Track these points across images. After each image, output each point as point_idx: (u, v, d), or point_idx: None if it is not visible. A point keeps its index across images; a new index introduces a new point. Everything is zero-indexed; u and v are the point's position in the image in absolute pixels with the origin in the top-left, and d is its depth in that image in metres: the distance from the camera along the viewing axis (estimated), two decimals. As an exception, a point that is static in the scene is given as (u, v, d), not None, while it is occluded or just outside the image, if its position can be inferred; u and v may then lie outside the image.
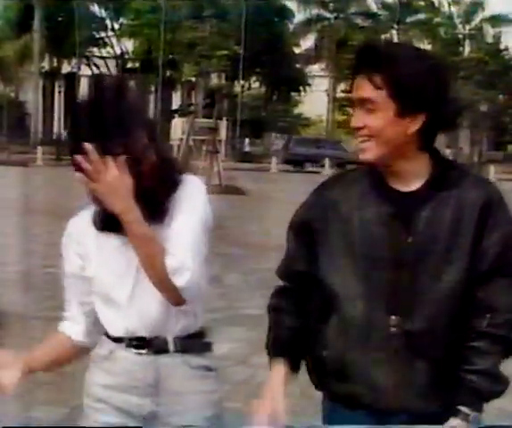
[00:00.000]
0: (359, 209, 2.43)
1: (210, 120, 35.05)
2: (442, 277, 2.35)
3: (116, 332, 2.59)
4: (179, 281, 2.43)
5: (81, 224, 2.63)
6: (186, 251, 2.47)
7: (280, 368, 2.49)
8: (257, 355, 7.17)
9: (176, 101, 63.50)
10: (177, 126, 45.24)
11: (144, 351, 2.55)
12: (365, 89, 2.34)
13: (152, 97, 62.03)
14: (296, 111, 68.79)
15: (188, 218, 2.52)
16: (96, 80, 2.66)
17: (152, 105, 61.48)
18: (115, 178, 2.35)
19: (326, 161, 42.81)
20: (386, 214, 2.39)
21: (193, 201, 2.56)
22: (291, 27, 64.92)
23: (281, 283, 2.62)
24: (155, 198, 2.50)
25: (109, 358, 2.61)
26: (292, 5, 63.97)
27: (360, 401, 2.44)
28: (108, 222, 2.51)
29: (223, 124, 42.50)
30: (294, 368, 2.53)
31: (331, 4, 63.69)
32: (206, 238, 2.56)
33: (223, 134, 41.93)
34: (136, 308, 2.55)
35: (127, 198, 2.38)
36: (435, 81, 2.36)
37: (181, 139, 40.24)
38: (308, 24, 64.86)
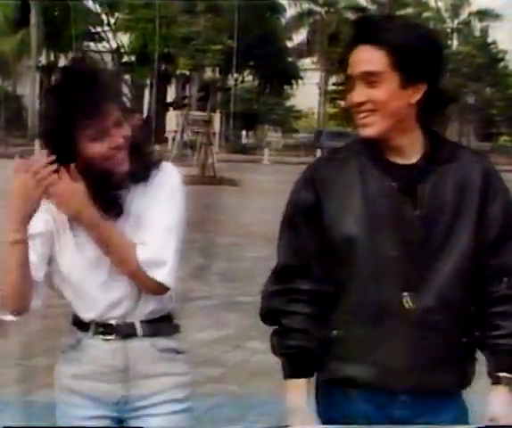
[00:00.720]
0: (361, 184, 2.32)
1: (204, 113, 35.07)
2: (450, 249, 2.30)
3: (86, 318, 2.53)
4: (157, 274, 2.43)
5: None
6: (164, 242, 2.46)
7: (303, 387, 2.38)
8: (252, 340, 7.32)
9: (171, 94, 63.43)
10: (172, 118, 45.38)
11: (111, 337, 2.51)
12: (367, 62, 2.25)
13: (147, 90, 62.01)
14: (288, 103, 68.70)
15: (165, 207, 2.49)
16: (66, 65, 2.73)
17: (147, 98, 61.51)
18: (67, 189, 2.36)
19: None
20: (391, 188, 2.30)
21: (170, 191, 2.52)
22: (283, 21, 64.87)
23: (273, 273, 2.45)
24: (124, 179, 2.46)
25: (77, 348, 2.55)
26: (283, 0, 64.00)
27: (364, 383, 2.34)
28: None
29: (217, 117, 42.55)
30: (312, 373, 2.42)
31: (321, -1, 63.72)
32: (182, 229, 2.52)
33: (217, 126, 41.93)
34: (108, 298, 2.49)
35: (80, 204, 2.38)
36: (434, 49, 2.33)
37: (176, 131, 40.40)
38: (299, 19, 64.83)
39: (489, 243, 2.33)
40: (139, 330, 2.51)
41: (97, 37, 61.93)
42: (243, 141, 60.24)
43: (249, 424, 5.36)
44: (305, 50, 65.36)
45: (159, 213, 2.47)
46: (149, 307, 2.51)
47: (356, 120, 2.32)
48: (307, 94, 67.38)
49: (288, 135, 65.55)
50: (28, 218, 2.36)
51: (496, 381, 2.32)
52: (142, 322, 2.52)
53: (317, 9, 64.36)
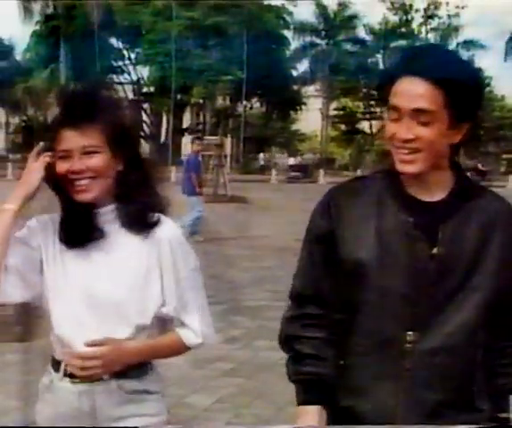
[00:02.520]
0: (376, 216, 2.07)
1: (217, 137, 35.11)
2: (467, 295, 2.01)
3: (58, 357, 2.32)
4: (193, 344, 2.35)
5: (47, 224, 2.32)
6: (202, 322, 2.33)
7: (316, 414, 2.16)
8: (259, 340, 7.48)
9: (186, 120, 63.59)
10: (187, 143, 45.46)
11: (77, 380, 2.26)
12: (421, 99, 1.93)
13: (164, 118, 62.18)
14: (293, 127, 68.71)
15: (188, 276, 2.32)
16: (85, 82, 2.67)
17: (164, 124, 61.70)
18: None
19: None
20: (408, 223, 2.03)
21: (188, 255, 2.34)
22: (287, 53, 64.86)
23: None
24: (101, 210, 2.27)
25: (50, 389, 2.34)
26: (288, 34, 64.07)
27: (361, 416, 2.10)
28: (72, 235, 2.28)
29: (228, 141, 42.70)
30: (328, 400, 2.17)
31: (323, 32, 63.74)
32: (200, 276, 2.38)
33: (228, 149, 42.05)
34: (80, 339, 2.22)
35: (126, 358, 2.24)
36: (482, 89, 2.09)
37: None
38: (302, 50, 64.82)
39: (510, 297, 2.06)
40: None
41: (119, 71, 62.10)
42: (261, 162, 59.81)
43: (255, 411, 5.48)
44: (308, 78, 65.30)
45: (187, 290, 2.30)
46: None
47: (394, 153, 2.02)
48: (310, 118, 67.32)
49: (293, 157, 65.56)
50: (25, 197, 2.21)
51: (497, 421, 2.10)
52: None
53: (319, 41, 64.43)
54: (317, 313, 2.17)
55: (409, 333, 2.01)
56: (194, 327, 2.32)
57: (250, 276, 11.45)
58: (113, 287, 2.25)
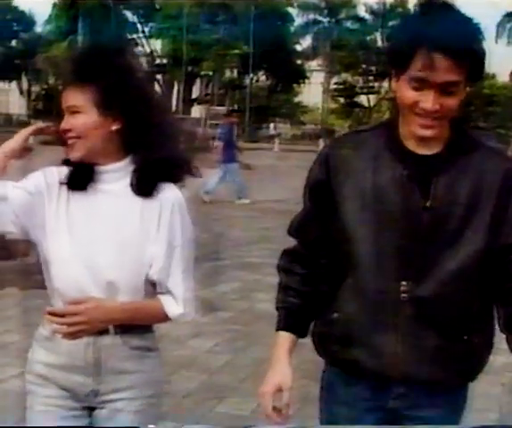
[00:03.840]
0: (373, 170, 1.99)
1: (224, 108, 35.16)
2: (459, 245, 1.95)
3: (56, 304, 2.19)
4: (180, 316, 2.21)
5: (53, 176, 2.21)
6: (186, 289, 2.19)
7: (286, 340, 2.13)
8: (256, 292, 7.59)
9: (195, 91, 63.44)
10: (196, 112, 45.49)
11: None
12: (448, 73, 1.85)
13: (175, 88, 62.02)
14: (296, 100, 68.43)
15: (183, 250, 2.18)
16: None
17: (175, 95, 61.59)
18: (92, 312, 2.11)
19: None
20: (402, 176, 1.96)
21: (187, 224, 2.20)
22: (292, 29, 64.52)
23: (289, 244, 2.21)
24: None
25: (51, 339, 2.20)
26: (292, 11, 63.66)
27: (363, 368, 2.04)
28: (78, 179, 2.18)
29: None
30: (301, 335, 2.15)
31: (325, 11, 63.25)
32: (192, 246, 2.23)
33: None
34: (80, 291, 2.14)
35: (106, 319, 2.14)
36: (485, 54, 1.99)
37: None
38: (306, 27, 64.37)
39: (507, 244, 1.97)
40: (111, 327, 2.17)
41: (134, 43, 61.93)
42: (272, 132, 59.25)
43: (251, 354, 5.64)
44: (311, 54, 64.93)
45: (177, 258, 2.17)
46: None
47: (412, 119, 1.94)
48: (312, 91, 67.06)
49: (296, 127, 65.47)
50: (11, 150, 2.19)
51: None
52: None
53: (321, 19, 63.99)
54: (302, 251, 2.14)
55: (404, 282, 1.95)
56: (177, 294, 2.18)
57: (250, 236, 11.53)
58: (110, 250, 2.13)
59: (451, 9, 1.93)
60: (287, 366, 2.10)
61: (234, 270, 8.83)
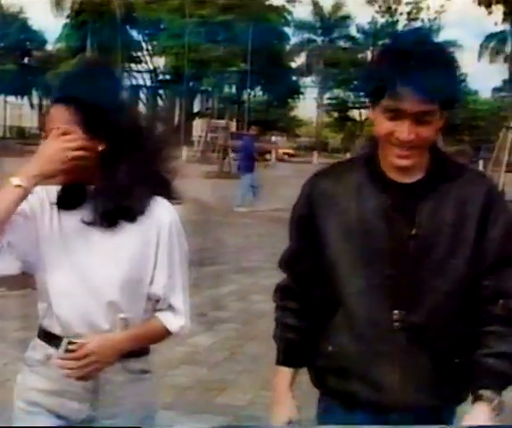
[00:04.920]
0: (356, 201, 1.91)
1: (223, 121, 35.16)
2: (446, 270, 1.88)
3: (56, 332, 2.00)
4: (180, 330, 2.09)
5: (43, 196, 2.00)
6: (184, 303, 2.07)
7: (286, 375, 2.06)
8: (253, 294, 7.68)
9: (196, 105, 63.52)
10: (198, 125, 45.58)
11: None
12: (423, 104, 1.77)
13: (177, 103, 62.08)
14: (292, 114, 68.55)
15: (181, 267, 2.06)
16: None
17: (178, 109, 61.62)
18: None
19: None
20: (386, 206, 1.88)
21: (183, 238, 2.08)
22: (287, 47, 64.65)
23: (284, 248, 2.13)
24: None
25: (45, 364, 2.01)
26: (288, 31, 63.78)
27: (360, 399, 1.93)
28: (69, 199, 1.99)
29: (233, 124, 42.56)
30: (300, 367, 2.09)
31: (319, 30, 63.43)
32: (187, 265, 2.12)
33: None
34: (80, 313, 1.97)
35: (112, 356, 1.96)
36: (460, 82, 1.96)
37: (200, 136, 40.61)
38: (300, 45, 64.62)
39: (487, 266, 1.89)
40: None
41: (138, 60, 62.00)
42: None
43: (248, 351, 5.72)
44: (305, 71, 65.09)
45: (178, 273, 2.05)
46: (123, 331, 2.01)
47: (389, 149, 1.86)
48: (307, 106, 67.27)
49: (291, 140, 65.54)
50: (41, 177, 1.87)
51: (476, 398, 1.86)
52: None
53: (315, 38, 64.14)
54: (292, 286, 2.07)
55: (396, 311, 1.87)
56: (178, 308, 2.06)
57: (248, 241, 11.65)
58: (110, 271, 1.97)
59: (424, 43, 1.86)
60: (291, 399, 2.05)
61: (232, 274, 8.90)
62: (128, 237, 1.99)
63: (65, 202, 1.99)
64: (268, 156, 39.44)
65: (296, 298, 2.06)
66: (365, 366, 1.91)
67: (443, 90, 1.80)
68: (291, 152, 47.56)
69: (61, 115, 1.93)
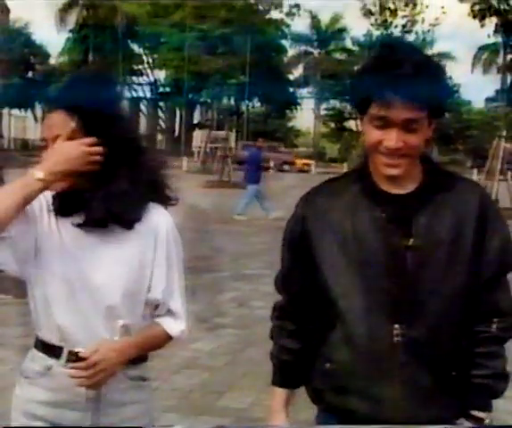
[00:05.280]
0: (351, 217, 1.86)
1: (223, 132, 35.23)
2: (444, 283, 1.81)
3: (55, 343, 1.95)
4: (179, 334, 2.07)
5: (41, 202, 1.95)
6: (182, 306, 2.06)
7: (281, 395, 2.03)
8: (253, 300, 7.72)
9: (196, 117, 63.64)
10: (198, 136, 45.64)
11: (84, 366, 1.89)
12: (409, 111, 1.75)
13: (178, 114, 62.18)
14: (289, 124, 68.70)
15: (178, 271, 2.05)
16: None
17: (178, 120, 61.77)
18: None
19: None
20: (381, 218, 1.83)
21: (179, 244, 2.06)
22: (285, 60, 64.84)
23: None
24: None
25: (46, 375, 1.95)
26: (285, 43, 64.00)
27: (359, 415, 1.87)
28: (67, 205, 1.93)
29: (232, 135, 42.66)
30: (294, 388, 2.06)
31: (315, 43, 63.66)
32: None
33: (232, 142, 42.08)
34: (80, 321, 1.93)
35: (117, 365, 1.91)
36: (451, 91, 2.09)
37: (200, 147, 40.67)
38: (298, 58, 64.83)
39: (485, 280, 1.85)
40: None
41: (139, 73, 62.18)
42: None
43: (248, 355, 5.74)
44: (302, 82, 65.29)
45: (175, 278, 2.04)
46: (123, 338, 1.97)
47: (378, 158, 1.83)
48: (304, 117, 67.58)
49: (289, 150, 65.65)
50: (60, 176, 1.84)
51: (470, 418, 1.86)
52: None
53: (312, 50, 64.38)
54: (287, 306, 2.02)
55: (396, 326, 1.80)
56: (177, 312, 2.05)
57: (247, 249, 11.66)
58: (109, 278, 1.94)
59: (409, 51, 1.83)
60: (285, 420, 2.03)
61: (232, 281, 8.95)
62: (126, 243, 1.96)
63: (63, 209, 1.95)
64: (271, 164, 39.37)
65: (292, 318, 2.01)
66: (364, 382, 1.85)
67: (430, 97, 1.77)
68: (310, 162, 47.28)
69: (61, 121, 1.90)
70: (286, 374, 2.03)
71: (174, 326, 2.05)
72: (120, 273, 1.95)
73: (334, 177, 2.03)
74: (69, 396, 1.94)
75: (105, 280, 1.94)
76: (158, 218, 2.01)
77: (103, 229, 1.93)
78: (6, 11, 9.85)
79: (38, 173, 1.80)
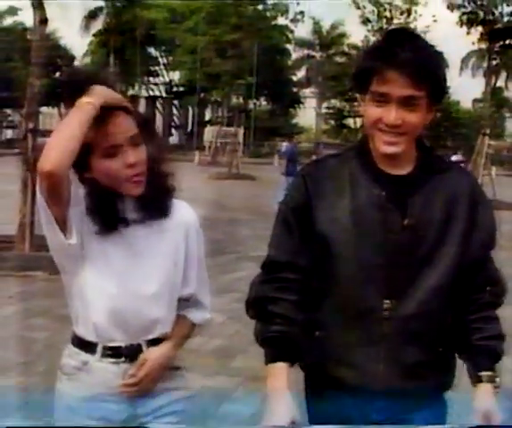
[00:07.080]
0: (350, 192, 1.79)
1: (232, 128, 35.30)
2: (437, 262, 1.77)
3: (90, 339, 1.88)
4: (201, 323, 2.04)
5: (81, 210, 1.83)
6: (207, 295, 2.03)
7: (283, 371, 1.80)
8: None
9: (208, 114, 63.77)
10: (209, 132, 45.70)
11: (120, 360, 1.88)
12: (409, 88, 1.69)
13: (191, 112, 62.29)
14: (293, 121, 68.75)
15: (203, 261, 2.00)
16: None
17: (191, 117, 61.85)
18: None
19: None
20: (380, 197, 1.77)
21: (202, 237, 2.00)
22: (289, 63, 64.84)
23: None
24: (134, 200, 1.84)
25: (83, 370, 1.89)
26: (290, 47, 63.97)
27: (345, 384, 1.81)
28: (109, 221, 1.82)
29: (241, 131, 42.70)
30: (298, 361, 1.87)
31: (317, 47, 63.61)
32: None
33: (241, 137, 42.16)
34: (117, 322, 1.86)
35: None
36: (445, 76, 1.81)
37: (211, 141, 40.79)
38: (301, 61, 64.78)
39: (477, 256, 1.83)
40: (145, 348, 1.92)
41: (155, 74, 62.23)
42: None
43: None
44: (305, 83, 65.32)
45: (202, 271, 2.00)
46: (156, 330, 1.92)
47: (377, 136, 1.76)
48: (307, 115, 67.38)
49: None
50: (107, 98, 1.72)
51: (477, 380, 1.81)
52: (148, 342, 1.91)
53: (314, 53, 64.36)
54: (292, 278, 1.83)
55: (386, 301, 1.76)
56: (205, 302, 2.02)
57: (254, 234, 11.77)
58: (147, 274, 1.88)
59: (412, 36, 1.79)
60: (292, 398, 1.77)
61: (242, 262, 9.16)
62: (162, 239, 1.89)
63: (97, 224, 1.83)
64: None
65: (295, 289, 1.83)
66: (350, 351, 1.80)
67: (430, 76, 1.71)
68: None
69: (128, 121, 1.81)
70: (289, 346, 1.82)
71: (198, 315, 2.03)
72: (158, 268, 1.90)
73: (332, 154, 1.94)
74: (106, 389, 1.89)
75: (144, 277, 1.87)
76: (184, 213, 1.96)
77: (141, 232, 1.86)
78: (45, 22, 9.73)
79: (86, 98, 1.70)
